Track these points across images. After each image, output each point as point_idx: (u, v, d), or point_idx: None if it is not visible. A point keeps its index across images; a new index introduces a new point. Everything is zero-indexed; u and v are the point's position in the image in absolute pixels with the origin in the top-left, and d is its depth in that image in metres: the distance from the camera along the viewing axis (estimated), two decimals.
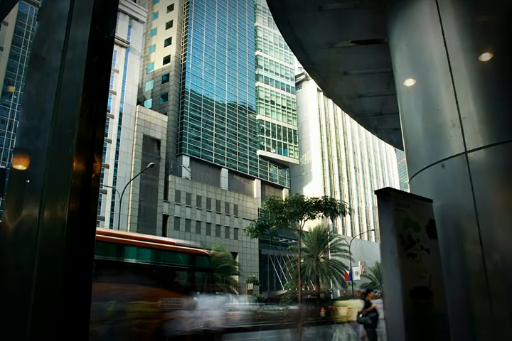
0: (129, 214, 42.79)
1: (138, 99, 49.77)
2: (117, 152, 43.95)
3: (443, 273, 3.26)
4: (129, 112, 46.58)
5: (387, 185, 77.54)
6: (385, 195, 3.15)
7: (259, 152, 62.83)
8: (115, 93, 45.15)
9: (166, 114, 52.19)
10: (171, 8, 59.97)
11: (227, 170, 57.64)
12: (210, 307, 10.15)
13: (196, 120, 54.87)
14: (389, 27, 4.84)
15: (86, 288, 1.21)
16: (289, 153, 66.81)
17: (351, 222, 71.34)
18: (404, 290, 2.86)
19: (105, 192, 40.53)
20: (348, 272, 45.09)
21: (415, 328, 2.87)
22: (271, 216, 18.52)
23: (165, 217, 47.05)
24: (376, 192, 3.22)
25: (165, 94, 55.64)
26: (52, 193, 1.24)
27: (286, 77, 70.85)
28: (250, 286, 46.90)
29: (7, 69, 36.73)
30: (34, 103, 1.42)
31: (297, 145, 68.35)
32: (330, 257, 43.67)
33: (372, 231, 73.87)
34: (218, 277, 35.37)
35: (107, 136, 41.20)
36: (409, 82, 4.33)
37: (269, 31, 69.39)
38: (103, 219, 40.14)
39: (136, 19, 51.45)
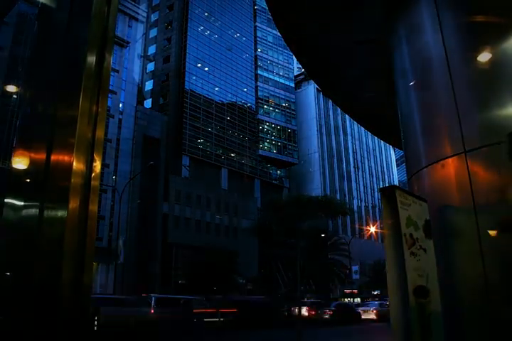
0: (129, 213, 42.76)
1: (138, 99, 49.66)
2: (117, 151, 43.89)
3: (442, 272, 3.27)
4: (128, 112, 46.50)
5: (387, 184, 77.38)
6: (390, 194, 3.13)
7: (259, 152, 62.79)
8: (115, 93, 45.04)
9: (165, 113, 52.13)
10: (170, 8, 59.90)
11: (226, 170, 57.59)
12: None
13: (196, 120, 54.80)
14: (389, 27, 4.84)
15: (86, 287, 1.21)
16: (289, 153, 66.74)
17: (351, 221, 71.26)
18: (408, 289, 2.87)
19: (105, 192, 40.48)
20: (348, 271, 45.10)
21: (418, 326, 2.87)
22: (271, 216, 18.57)
23: (165, 216, 46.99)
24: (381, 190, 3.20)
25: (165, 94, 55.58)
26: (52, 192, 1.24)
27: (286, 77, 70.77)
28: (250, 285, 46.83)
29: (7, 68, 36.67)
30: (34, 103, 1.42)
31: (297, 145, 68.27)
32: (329, 256, 43.64)
33: (372, 231, 73.78)
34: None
35: (106, 136, 41.11)
36: (409, 82, 4.33)
37: (268, 31, 69.31)
38: (103, 218, 40.11)
39: (136, 19, 51.32)
